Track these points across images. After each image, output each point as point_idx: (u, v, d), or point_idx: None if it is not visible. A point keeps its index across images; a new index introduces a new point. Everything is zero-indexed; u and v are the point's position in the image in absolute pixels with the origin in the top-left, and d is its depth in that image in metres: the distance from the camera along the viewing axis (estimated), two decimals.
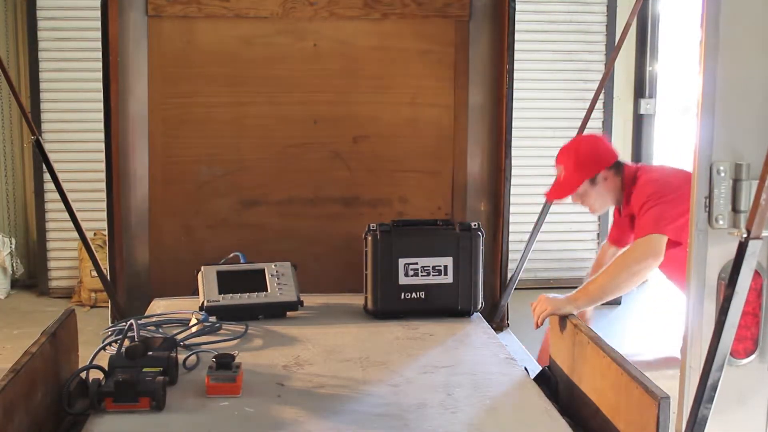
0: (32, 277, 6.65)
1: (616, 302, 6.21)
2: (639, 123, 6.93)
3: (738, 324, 1.68)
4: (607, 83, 4.66)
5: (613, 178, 2.97)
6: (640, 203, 2.80)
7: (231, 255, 3.02)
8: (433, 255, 2.90)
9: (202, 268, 2.88)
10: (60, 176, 3.03)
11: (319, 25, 3.44)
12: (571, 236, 6.65)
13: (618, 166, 3.00)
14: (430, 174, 3.55)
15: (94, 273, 5.37)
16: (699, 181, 1.77)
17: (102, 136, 3.28)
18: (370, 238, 2.89)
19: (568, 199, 3.05)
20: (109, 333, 2.57)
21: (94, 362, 2.25)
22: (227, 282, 2.82)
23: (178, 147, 3.44)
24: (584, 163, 2.93)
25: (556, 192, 3.02)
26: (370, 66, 3.49)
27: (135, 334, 2.45)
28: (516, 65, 3.42)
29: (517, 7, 3.35)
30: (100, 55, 3.23)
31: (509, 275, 3.50)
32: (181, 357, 2.31)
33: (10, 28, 6.44)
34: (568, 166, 2.96)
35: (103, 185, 3.30)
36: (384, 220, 3.02)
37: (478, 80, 3.53)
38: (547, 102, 6.58)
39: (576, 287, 2.70)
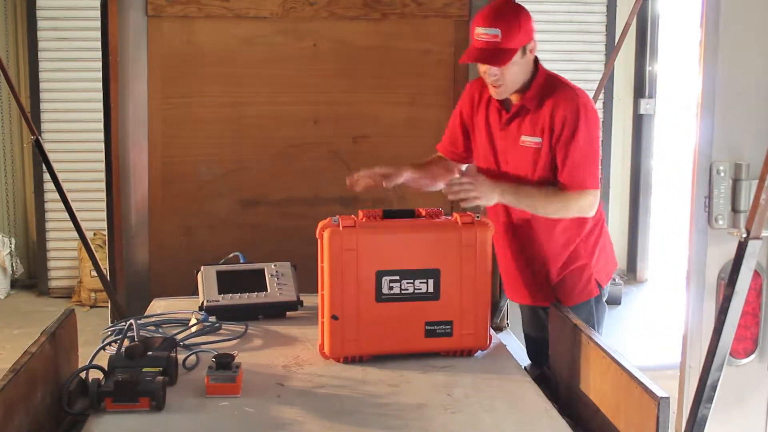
0: (32, 277, 6.65)
1: (616, 302, 6.20)
2: (639, 123, 6.93)
3: (738, 324, 1.68)
4: (607, 83, 4.65)
5: (533, 54, 2.59)
6: (573, 123, 2.51)
7: (231, 255, 3.01)
8: None
9: (202, 268, 2.88)
10: (60, 176, 3.03)
11: (318, 25, 3.44)
12: None
13: None
14: None
15: (94, 273, 5.37)
16: (699, 181, 1.77)
17: (102, 136, 3.28)
18: None
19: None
20: (109, 333, 2.57)
21: (94, 362, 2.24)
22: (227, 282, 2.82)
23: (178, 147, 3.44)
24: (524, 26, 2.52)
25: (496, 57, 2.49)
26: (369, 66, 3.49)
27: (135, 334, 2.45)
28: None
29: None
30: (99, 55, 3.23)
31: None
32: (180, 357, 2.31)
33: (9, 27, 6.44)
34: (507, 28, 2.48)
35: (103, 185, 3.30)
36: None
37: None
38: None
39: None
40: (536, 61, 2.64)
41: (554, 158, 2.58)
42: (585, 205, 2.58)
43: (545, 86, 2.61)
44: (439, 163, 2.94)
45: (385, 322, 2.38)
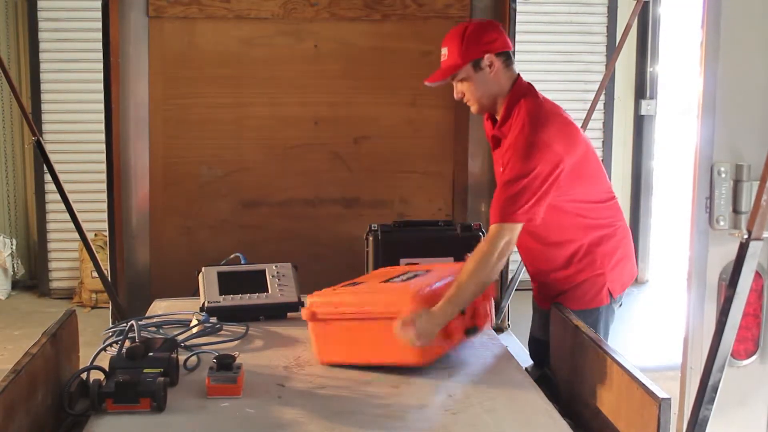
0: (33, 277, 6.66)
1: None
2: (639, 124, 6.94)
3: (739, 325, 1.68)
4: (607, 84, 4.65)
5: (502, 70, 2.56)
6: (512, 148, 2.44)
7: (232, 256, 3.02)
8: (434, 255, 2.90)
9: (203, 268, 2.88)
10: (61, 177, 3.03)
11: (319, 26, 3.44)
12: None
13: (508, 59, 2.60)
14: (431, 175, 3.55)
15: (95, 274, 5.37)
16: (700, 182, 1.77)
17: (103, 137, 3.28)
18: (371, 238, 2.90)
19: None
20: (110, 334, 2.57)
21: (95, 363, 2.25)
22: (228, 283, 2.82)
23: (179, 148, 3.45)
24: (469, 41, 2.53)
25: (436, 74, 2.59)
26: (370, 67, 3.49)
27: (136, 334, 2.45)
28: (516, 66, 3.40)
29: (518, 7, 3.35)
30: (100, 56, 3.24)
31: (509, 276, 3.50)
32: (181, 358, 2.30)
33: (11, 28, 6.45)
34: (452, 47, 2.54)
35: (104, 186, 3.31)
36: (385, 221, 3.01)
37: None
38: None
39: None
40: (517, 80, 2.59)
41: None
42: (499, 248, 2.32)
43: (507, 113, 2.55)
44: None
45: None
